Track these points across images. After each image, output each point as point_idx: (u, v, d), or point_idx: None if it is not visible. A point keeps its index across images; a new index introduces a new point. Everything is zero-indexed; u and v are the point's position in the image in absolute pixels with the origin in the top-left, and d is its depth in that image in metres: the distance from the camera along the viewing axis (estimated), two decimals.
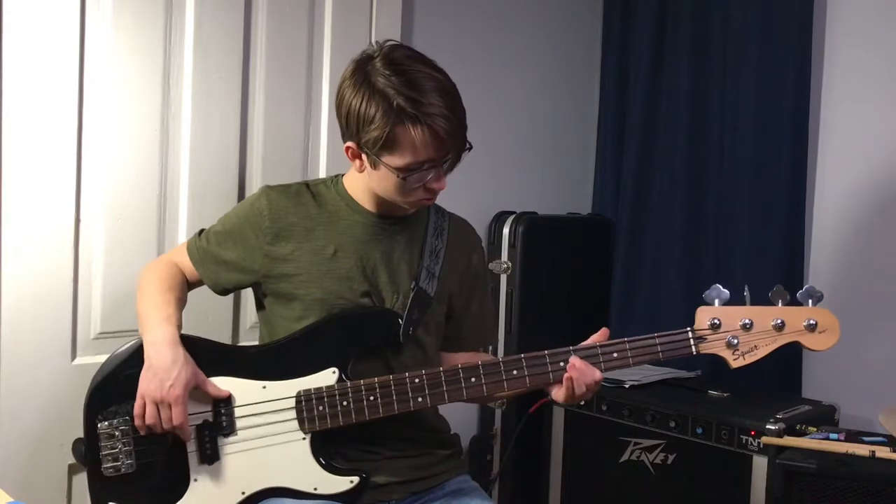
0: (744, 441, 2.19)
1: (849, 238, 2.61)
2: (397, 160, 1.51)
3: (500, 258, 2.75)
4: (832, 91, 2.64)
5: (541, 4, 2.95)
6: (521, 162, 2.93)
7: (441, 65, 1.59)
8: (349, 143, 1.57)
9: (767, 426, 2.15)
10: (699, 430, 2.28)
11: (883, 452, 1.93)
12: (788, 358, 2.61)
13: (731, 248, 2.72)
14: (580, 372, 1.53)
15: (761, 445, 2.15)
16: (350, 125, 1.54)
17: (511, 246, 2.74)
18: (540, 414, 2.60)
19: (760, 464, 2.16)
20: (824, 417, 2.34)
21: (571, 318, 2.91)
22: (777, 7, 2.64)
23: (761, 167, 2.67)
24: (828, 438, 2.04)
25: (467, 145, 1.56)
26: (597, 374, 1.55)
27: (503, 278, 2.75)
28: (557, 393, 1.57)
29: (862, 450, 1.95)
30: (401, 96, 1.47)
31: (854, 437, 2.05)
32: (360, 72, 1.52)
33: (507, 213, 2.79)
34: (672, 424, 2.33)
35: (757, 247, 2.65)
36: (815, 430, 2.13)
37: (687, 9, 2.87)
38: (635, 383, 2.50)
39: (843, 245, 2.61)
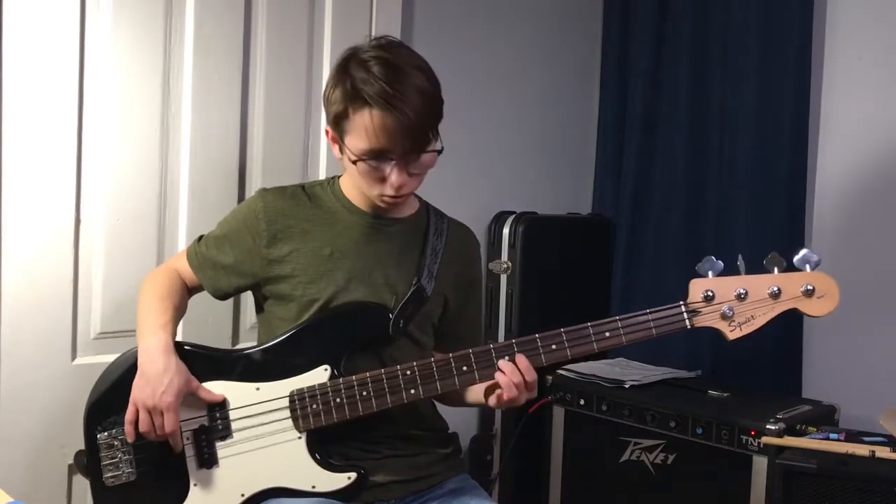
0: (744, 441, 2.19)
1: (848, 239, 2.60)
2: (353, 143, 1.53)
3: (500, 258, 2.75)
4: (833, 89, 2.64)
5: (541, 5, 2.95)
6: (521, 162, 2.93)
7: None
8: (327, 127, 1.60)
9: (767, 426, 2.15)
10: (699, 430, 2.28)
11: (883, 452, 1.93)
12: (788, 358, 2.61)
13: (732, 247, 2.72)
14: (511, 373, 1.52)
15: (761, 445, 2.14)
16: (325, 105, 1.57)
17: (511, 246, 2.74)
18: (540, 414, 2.60)
19: (760, 464, 2.16)
20: (824, 417, 2.34)
21: (571, 318, 2.90)
22: (777, 6, 2.64)
23: (761, 168, 2.67)
24: (828, 438, 2.04)
25: (437, 147, 1.55)
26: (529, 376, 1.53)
27: (503, 278, 2.74)
28: (492, 400, 1.56)
29: (862, 450, 1.95)
30: (360, 80, 1.48)
31: (854, 437, 2.05)
32: (343, 59, 1.56)
33: (507, 213, 2.79)
34: (672, 424, 2.33)
35: (757, 247, 2.64)
36: (815, 430, 2.13)
37: (687, 8, 2.87)
38: (635, 383, 2.50)
39: (843, 246, 2.61)
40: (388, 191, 1.55)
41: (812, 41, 2.60)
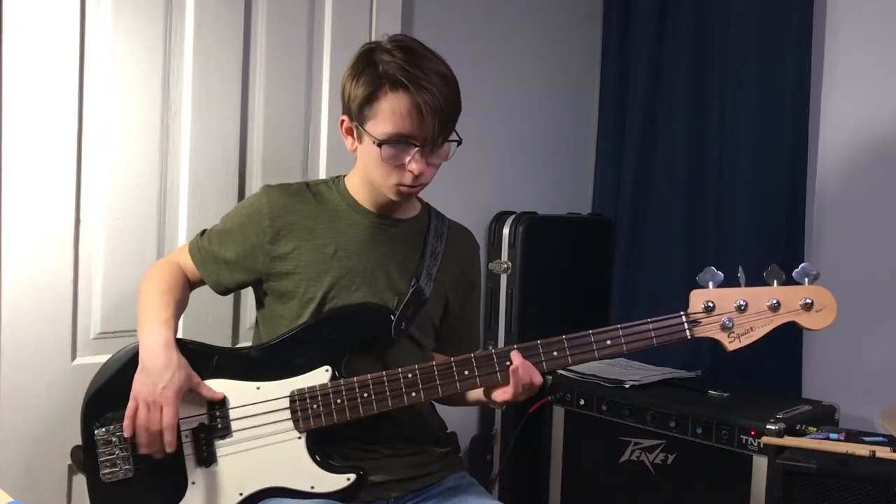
0: (744, 441, 2.19)
1: (848, 238, 2.61)
2: (378, 127, 1.53)
3: (500, 258, 2.75)
4: (833, 89, 2.64)
5: (541, 5, 2.95)
6: (521, 162, 2.93)
7: None
8: (343, 117, 1.61)
9: (767, 426, 2.15)
10: (699, 430, 2.28)
11: (883, 452, 1.93)
12: (788, 358, 2.61)
13: (732, 248, 2.72)
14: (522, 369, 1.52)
15: (761, 445, 2.15)
16: (344, 96, 1.58)
17: (511, 246, 2.74)
18: (540, 414, 2.60)
19: (760, 464, 2.16)
20: (824, 417, 2.34)
21: (571, 318, 2.91)
22: (777, 6, 2.64)
23: (761, 168, 2.67)
24: (828, 438, 2.04)
25: (456, 137, 1.56)
26: (536, 379, 1.54)
27: (503, 278, 2.74)
28: (499, 394, 1.56)
29: (862, 450, 1.95)
30: (392, 65, 1.50)
31: (854, 437, 2.05)
32: (364, 53, 1.57)
33: (507, 213, 2.79)
34: (672, 424, 2.33)
35: (757, 247, 2.65)
36: (815, 430, 2.13)
37: (687, 9, 2.87)
38: (635, 383, 2.50)
39: (843, 247, 2.61)
40: (407, 179, 1.56)
41: (812, 41, 2.60)
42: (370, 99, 1.52)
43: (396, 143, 1.52)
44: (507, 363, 1.55)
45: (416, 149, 1.53)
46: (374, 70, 1.52)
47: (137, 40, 1.93)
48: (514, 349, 1.56)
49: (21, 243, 1.79)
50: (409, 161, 1.54)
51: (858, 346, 2.55)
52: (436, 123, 1.51)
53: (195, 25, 2.01)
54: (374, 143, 1.53)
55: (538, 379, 1.55)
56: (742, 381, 2.60)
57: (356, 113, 1.55)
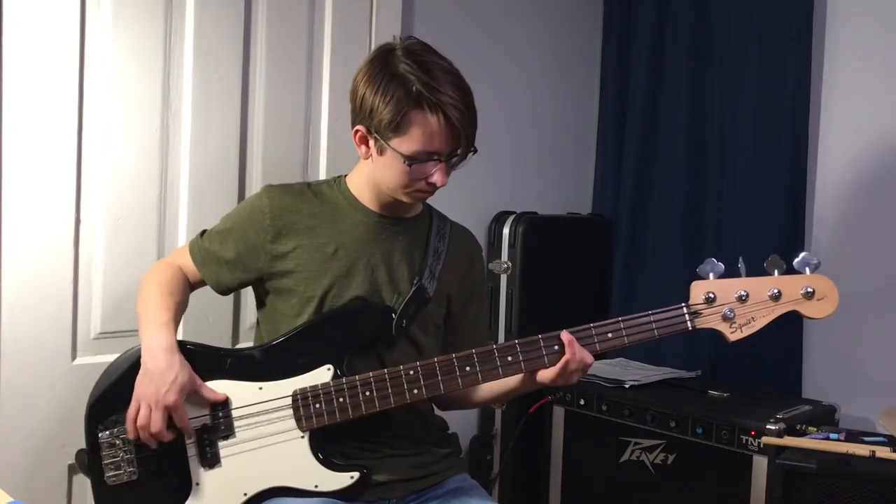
0: (744, 441, 2.19)
1: (848, 240, 2.61)
2: (406, 146, 1.53)
3: (500, 258, 2.75)
4: (833, 89, 2.64)
5: (541, 6, 2.95)
6: (521, 162, 2.93)
7: None
8: (359, 127, 1.59)
9: (767, 426, 2.15)
10: (699, 430, 2.28)
11: (883, 452, 1.93)
12: (788, 358, 2.62)
13: (731, 247, 2.72)
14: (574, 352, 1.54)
15: (761, 445, 2.15)
16: (364, 107, 1.55)
17: (511, 246, 2.74)
18: (540, 414, 2.60)
19: (760, 464, 2.16)
20: (824, 417, 2.34)
21: (572, 318, 2.90)
22: (777, 6, 2.64)
23: (761, 168, 2.67)
24: (828, 438, 2.04)
25: (474, 147, 1.58)
26: (588, 358, 1.56)
27: (503, 278, 2.74)
28: (544, 374, 1.57)
29: (862, 450, 1.95)
30: (420, 82, 1.50)
31: (854, 437, 2.05)
32: (380, 59, 1.56)
33: (507, 213, 2.79)
34: (672, 424, 2.33)
35: (757, 247, 2.65)
36: (815, 430, 2.13)
37: (687, 8, 2.87)
38: (635, 383, 2.50)
39: (843, 246, 2.61)
40: (427, 187, 1.59)
41: (812, 41, 2.60)
42: (397, 117, 1.51)
43: (424, 160, 1.54)
44: (509, 359, 1.55)
45: (442, 163, 1.55)
46: (398, 86, 1.51)
47: (137, 40, 1.93)
48: (515, 345, 1.57)
49: (21, 243, 1.79)
50: (434, 174, 1.56)
51: (858, 346, 2.55)
52: (462, 142, 1.54)
53: (195, 25, 2.01)
54: (402, 161, 1.54)
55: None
56: (742, 381, 2.61)
57: (382, 129, 1.54)
